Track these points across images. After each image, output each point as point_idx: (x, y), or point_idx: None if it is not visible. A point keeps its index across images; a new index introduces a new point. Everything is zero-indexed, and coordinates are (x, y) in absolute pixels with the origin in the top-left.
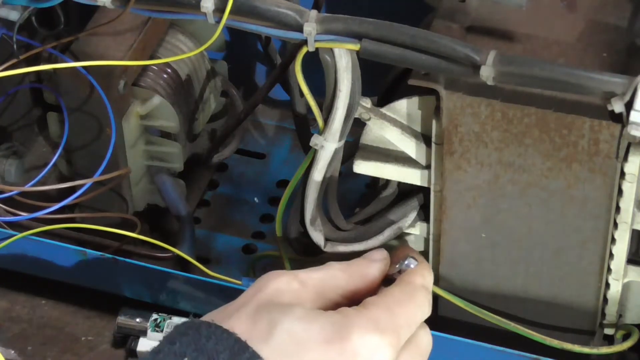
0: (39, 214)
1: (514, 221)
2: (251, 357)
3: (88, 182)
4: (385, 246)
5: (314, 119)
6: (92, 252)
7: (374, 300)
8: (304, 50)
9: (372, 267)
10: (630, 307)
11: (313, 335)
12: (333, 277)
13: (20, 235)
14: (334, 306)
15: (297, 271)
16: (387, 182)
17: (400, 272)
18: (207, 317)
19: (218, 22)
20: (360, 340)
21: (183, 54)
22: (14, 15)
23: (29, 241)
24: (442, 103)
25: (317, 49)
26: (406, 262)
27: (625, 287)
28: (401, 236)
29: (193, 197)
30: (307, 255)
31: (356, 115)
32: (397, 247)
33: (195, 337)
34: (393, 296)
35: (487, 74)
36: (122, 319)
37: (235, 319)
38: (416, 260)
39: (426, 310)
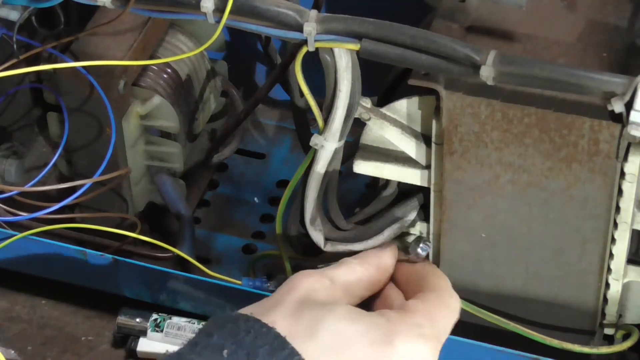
0: (39, 213)
1: (514, 221)
2: (291, 354)
3: (88, 182)
4: None
5: (314, 119)
6: (92, 252)
7: (415, 306)
8: (304, 50)
9: (385, 255)
10: (630, 307)
11: (358, 336)
12: (354, 272)
13: (20, 235)
14: (360, 300)
15: (322, 270)
16: (387, 182)
17: (417, 255)
18: (245, 311)
19: (218, 22)
20: (404, 345)
21: (183, 54)
22: (14, 15)
23: (29, 241)
24: (442, 103)
25: (317, 48)
26: (418, 250)
27: (625, 287)
28: (401, 236)
29: (193, 197)
30: (307, 255)
31: (356, 115)
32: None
33: (233, 330)
34: (430, 302)
35: (487, 74)
36: (122, 319)
37: (276, 314)
38: (428, 245)
39: (458, 315)
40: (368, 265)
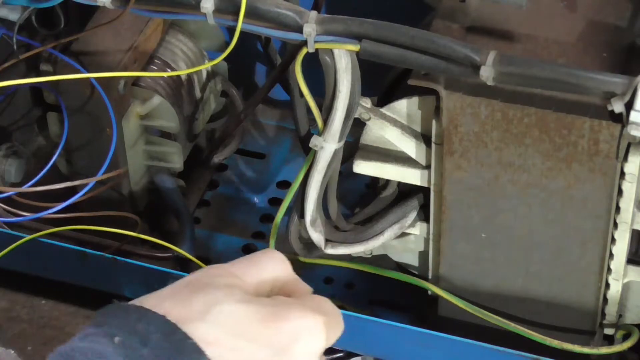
0: (43, 214)
1: (514, 221)
2: (183, 339)
3: (90, 182)
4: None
5: (314, 119)
6: (92, 252)
7: (302, 296)
8: (303, 51)
9: (301, 284)
10: (630, 307)
11: (251, 315)
12: (263, 268)
13: (28, 237)
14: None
15: (227, 265)
16: (387, 182)
17: None
18: (136, 301)
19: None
20: (297, 318)
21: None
22: (14, 15)
23: (29, 241)
24: (442, 103)
25: (316, 49)
26: None
27: (625, 287)
28: (401, 236)
29: (193, 197)
30: (307, 255)
31: (356, 115)
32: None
33: (124, 319)
34: (322, 299)
35: (487, 74)
36: None
37: (168, 302)
38: None
39: (342, 329)
40: (283, 266)
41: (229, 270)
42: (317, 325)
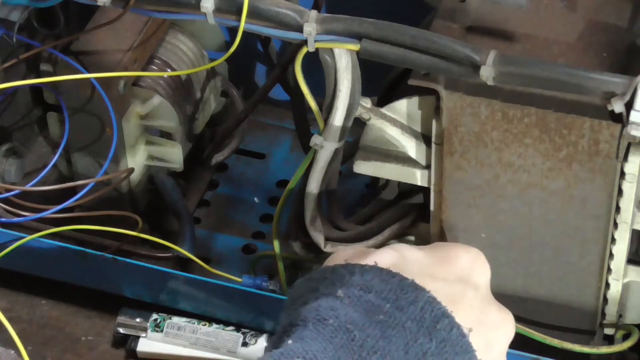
0: (43, 214)
1: (514, 221)
2: (402, 279)
3: (91, 182)
4: None
5: (314, 119)
6: (92, 252)
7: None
8: (304, 50)
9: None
10: (630, 307)
11: (431, 259)
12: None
13: (28, 237)
14: None
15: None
16: (387, 182)
17: None
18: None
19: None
20: (466, 255)
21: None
22: (14, 15)
23: (29, 241)
24: (442, 103)
25: (317, 49)
26: None
27: (625, 287)
28: (401, 236)
29: (193, 197)
30: (307, 255)
31: (356, 115)
32: None
33: (336, 277)
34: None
35: (487, 74)
36: (122, 319)
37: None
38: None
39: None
40: None
41: (373, 252)
42: (480, 254)
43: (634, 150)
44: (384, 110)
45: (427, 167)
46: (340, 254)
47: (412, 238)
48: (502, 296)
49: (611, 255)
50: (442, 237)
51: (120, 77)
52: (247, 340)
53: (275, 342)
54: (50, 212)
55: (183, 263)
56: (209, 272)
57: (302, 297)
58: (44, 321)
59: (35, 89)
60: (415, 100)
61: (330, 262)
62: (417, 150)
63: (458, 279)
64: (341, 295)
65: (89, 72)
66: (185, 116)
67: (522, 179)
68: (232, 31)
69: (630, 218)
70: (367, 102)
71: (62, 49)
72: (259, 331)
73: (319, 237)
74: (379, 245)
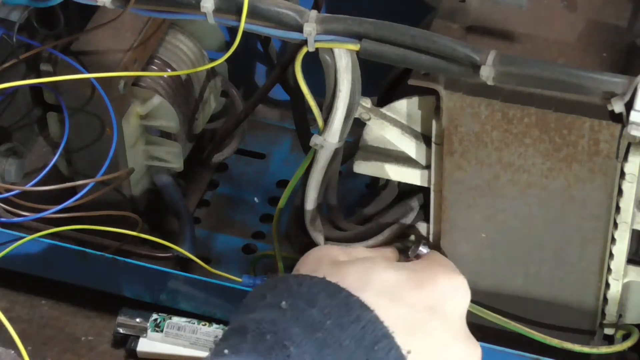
0: (43, 214)
1: (514, 221)
2: (348, 296)
3: (91, 182)
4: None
5: (314, 119)
6: (92, 252)
7: (428, 257)
8: (304, 50)
9: (389, 249)
10: (630, 307)
11: (404, 282)
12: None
13: (28, 237)
14: None
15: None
16: (387, 182)
17: (416, 256)
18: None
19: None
20: (446, 281)
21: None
22: (14, 15)
23: (29, 241)
24: (442, 103)
25: (317, 49)
26: (420, 248)
27: (625, 287)
28: (401, 236)
29: (193, 197)
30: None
31: (356, 115)
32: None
33: (285, 287)
34: (438, 255)
35: (487, 74)
36: (122, 319)
37: (320, 274)
38: (428, 244)
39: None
40: (374, 252)
41: (348, 253)
42: (463, 283)
43: (634, 150)
44: (384, 110)
45: (427, 167)
46: (315, 253)
47: (412, 238)
48: (502, 296)
49: (611, 255)
50: (442, 237)
51: (120, 77)
52: None
53: (217, 345)
54: (50, 212)
55: (183, 263)
56: (209, 272)
57: (251, 304)
58: (44, 321)
59: (35, 89)
60: (415, 100)
61: (305, 258)
62: (417, 150)
63: (426, 307)
64: (284, 308)
65: (89, 72)
66: (185, 116)
67: (522, 179)
68: (232, 31)
69: (630, 218)
70: (367, 102)
71: (62, 49)
72: None
73: (319, 237)
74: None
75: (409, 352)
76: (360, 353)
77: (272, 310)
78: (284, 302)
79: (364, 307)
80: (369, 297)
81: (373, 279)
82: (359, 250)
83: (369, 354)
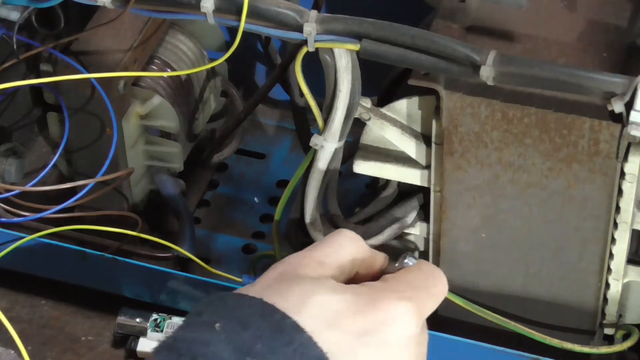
0: (43, 214)
1: (514, 221)
2: (282, 318)
3: (91, 182)
4: (387, 247)
5: (314, 119)
6: (92, 252)
7: (397, 276)
8: (304, 50)
9: (378, 255)
10: (630, 307)
11: (345, 307)
12: (343, 249)
13: (28, 237)
14: (349, 277)
15: (309, 250)
16: (387, 182)
17: (401, 269)
18: (232, 292)
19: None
20: (388, 307)
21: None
22: (14, 15)
23: (29, 241)
24: (442, 103)
25: (317, 49)
26: (406, 260)
27: (625, 287)
28: (401, 236)
29: (193, 197)
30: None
31: (356, 115)
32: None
33: (223, 307)
34: (412, 273)
35: (487, 74)
36: (122, 319)
37: (263, 292)
38: (415, 258)
39: (444, 288)
40: (358, 244)
41: (313, 257)
42: (408, 311)
43: (634, 150)
44: (384, 110)
45: (427, 167)
46: (279, 267)
47: (412, 238)
48: (502, 296)
49: (611, 255)
50: (442, 237)
51: (120, 77)
52: None
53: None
54: (50, 212)
55: (183, 263)
56: (209, 272)
57: (188, 319)
58: (44, 321)
59: (35, 89)
60: (415, 100)
61: (270, 270)
62: (417, 150)
63: (363, 332)
64: (217, 329)
65: (89, 72)
66: (185, 116)
67: (522, 179)
68: (232, 31)
69: (630, 218)
70: (367, 102)
71: (62, 49)
72: None
73: (319, 237)
74: (379, 245)
75: None
76: None
77: (204, 331)
78: (218, 324)
79: (297, 329)
80: (304, 320)
81: (313, 301)
82: (329, 250)
83: None
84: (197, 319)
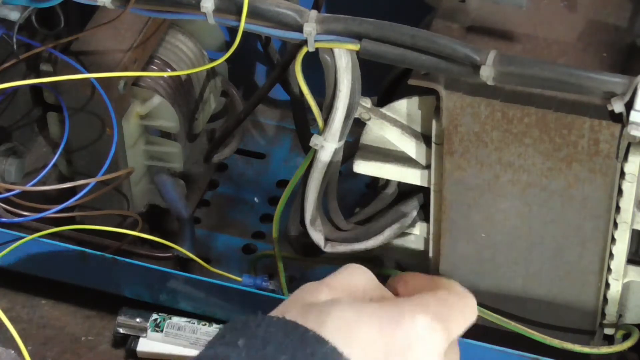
0: (43, 214)
1: (514, 221)
2: (304, 332)
3: (91, 182)
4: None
5: (314, 119)
6: (92, 252)
7: (424, 294)
8: (304, 50)
9: (387, 293)
10: (630, 307)
11: (365, 319)
12: (355, 274)
13: (28, 237)
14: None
15: (322, 280)
16: (387, 182)
17: None
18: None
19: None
20: (411, 322)
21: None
22: (14, 15)
23: (29, 241)
24: (442, 103)
25: (317, 49)
26: None
27: (625, 287)
28: (401, 236)
29: (193, 197)
30: (307, 255)
31: (356, 115)
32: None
33: (245, 327)
34: (440, 292)
35: (487, 74)
36: (122, 319)
37: (285, 315)
38: None
39: (473, 310)
40: (368, 275)
41: (324, 283)
42: (430, 328)
43: (634, 150)
44: (384, 110)
45: (427, 167)
46: (294, 295)
47: (412, 238)
48: (502, 296)
49: (611, 255)
50: (442, 237)
51: (120, 77)
52: None
53: None
54: (50, 212)
55: (183, 263)
56: (209, 272)
57: (211, 341)
58: (44, 321)
59: (35, 89)
60: (415, 100)
61: (287, 300)
62: (417, 150)
63: (385, 352)
64: (240, 346)
65: (89, 72)
66: (185, 116)
67: (522, 178)
68: (232, 31)
69: (630, 218)
70: (367, 102)
71: (62, 49)
72: None
73: (319, 237)
74: (380, 246)
75: None
76: None
77: (228, 347)
78: (240, 341)
79: (320, 341)
80: (326, 334)
81: (331, 318)
82: (340, 276)
83: None
84: (219, 340)
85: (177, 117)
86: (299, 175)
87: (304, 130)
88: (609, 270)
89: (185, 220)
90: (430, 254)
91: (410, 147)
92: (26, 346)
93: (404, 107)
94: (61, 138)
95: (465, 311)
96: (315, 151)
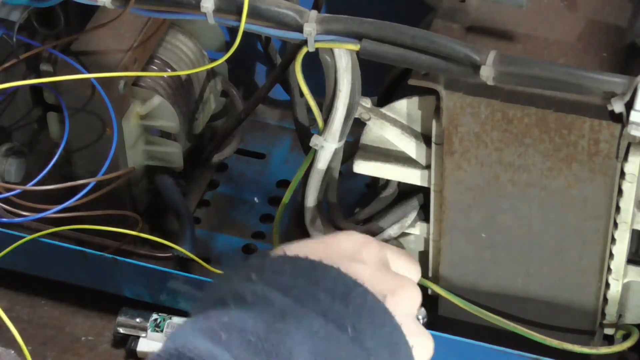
0: (44, 214)
1: (514, 221)
2: (311, 261)
3: (91, 182)
4: None
5: (314, 119)
6: (92, 252)
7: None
8: (304, 50)
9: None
10: (630, 307)
11: (323, 247)
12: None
13: (28, 237)
14: None
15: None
16: (387, 182)
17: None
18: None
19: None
20: (345, 234)
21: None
22: (14, 15)
23: (29, 241)
24: (442, 103)
25: (317, 49)
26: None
27: (625, 287)
28: (401, 236)
29: (193, 197)
30: None
31: (356, 115)
32: None
33: (251, 265)
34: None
35: (487, 74)
36: (122, 319)
37: (308, 247)
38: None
39: (417, 271)
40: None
41: (321, 241)
42: (417, 290)
43: (634, 150)
44: (384, 110)
45: (427, 167)
46: (300, 247)
47: (412, 238)
48: (502, 296)
49: (611, 255)
50: (442, 237)
51: (120, 77)
52: None
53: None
54: (50, 212)
55: (183, 263)
56: (209, 272)
57: (215, 287)
58: (44, 321)
59: (35, 89)
60: (415, 100)
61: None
62: (417, 150)
63: (348, 258)
64: (255, 279)
65: (89, 72)
66: (185, 116)
67: (522, 178)
68: (232, 31)
69: (630, 218)
70: (367, 102)
71: (62, 49)
72: None
73: (318, 237)
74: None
75: (384, 296)
76: (337, 304)
77: (243, 283)
78: (253, 275)
79: (327, 267)
80: (329, 260)
81: (365, 250)
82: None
83: (347, 299)
84: (227, 282)
85: (177, 117)
86: (299, 176)
87: (304, 130)
88: (609, 270)
89: (185, 220)
90: (430, 254)
91: (410, 147)
92: (26, 346)
93: (404, 107)
94: (61, 138)
95: (409, 263)
96: (315, 151)
